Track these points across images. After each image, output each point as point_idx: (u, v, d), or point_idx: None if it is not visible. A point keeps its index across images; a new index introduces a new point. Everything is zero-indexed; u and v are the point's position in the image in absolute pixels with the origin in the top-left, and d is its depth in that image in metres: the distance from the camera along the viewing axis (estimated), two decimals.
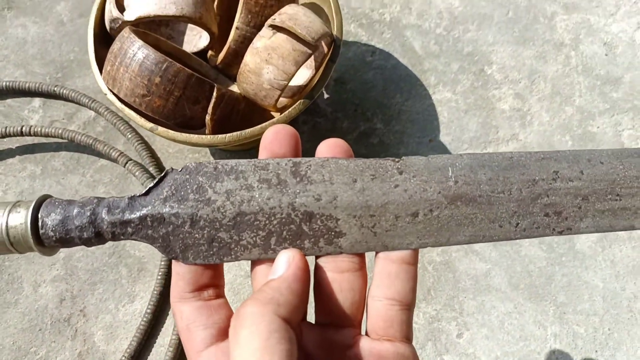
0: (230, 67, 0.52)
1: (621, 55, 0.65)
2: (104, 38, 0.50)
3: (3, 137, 0.58)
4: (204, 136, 0.45)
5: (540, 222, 0.25)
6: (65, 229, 0.24)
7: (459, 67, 0.64)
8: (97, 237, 0.24)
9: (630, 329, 0.53)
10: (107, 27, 0.49)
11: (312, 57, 0.51)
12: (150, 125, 0.45)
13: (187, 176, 0.24)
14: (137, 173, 0.56)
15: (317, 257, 0.25)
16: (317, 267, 0.25)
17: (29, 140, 0.61)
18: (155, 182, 0.24)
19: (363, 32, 0.66)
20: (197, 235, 0.24)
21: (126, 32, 0.45)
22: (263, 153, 0.26)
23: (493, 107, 0.63)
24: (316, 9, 0.53)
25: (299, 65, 0.45)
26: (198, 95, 0.45)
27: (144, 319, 0.52)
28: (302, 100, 0.47)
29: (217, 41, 0.53)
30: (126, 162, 0.57)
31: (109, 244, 0.56)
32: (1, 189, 0.58)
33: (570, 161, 0.26)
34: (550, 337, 0.53)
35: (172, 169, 0.25)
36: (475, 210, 0.25)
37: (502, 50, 0.65)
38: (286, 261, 0.24)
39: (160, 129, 0.45)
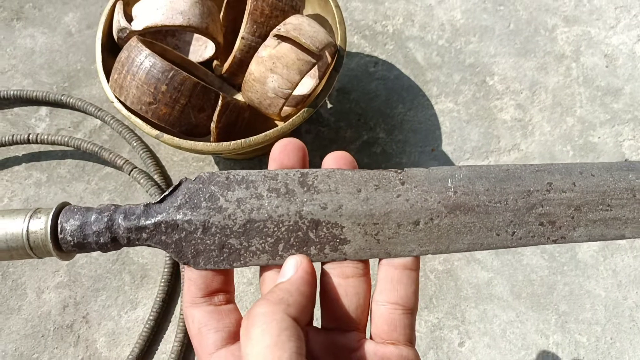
0: (236, 77, 0.53)
1: (621, 67, 0.66)
2: (112, 48, 0.51)
3: (10, 144, 0.59)
4: (208, 143, 0.46)
5: (536, 231, 0.26)
6: (83, 234, 0.25)
7: (460, 78, 0.65)
8: (113, 242, 0.25)
9: (632, 338, 0.53)
10: (115, 37, 0.50)
11: (316, 66, 0.52)
12: (156, 132, 0.46)
13: (201, 185, 0.26)
14: (142, 181, 0.57)
15: (323, 263, 0.26)
16: (323, 273, 0.26)
17: (35, 148, 0.61)
18: (170, 190, 0.26)
19: (366, 44, 0.67)
20: (208, 241, 0.25)
21: (134, 41, 0.45)
22: (272, 164, 0.27)
23: (495, 118, 0.63)
24: (320, 20, 0.54)
25: (303, 74, 0.45)
26: (203, 104, 0.45)
27: (146, 326, 0.52)
28: (305, 109, 0.47)
29: (222, 51, 0.54)
30: (131, 170, 0.57)
31: None
32: (7, 196, 0.59)
33: (563, 173, 0.27)
34: (553, 346, 0.53)
35: (186, 178, 0.26)
36: (474, 219, 0.26)
37: (503, 61, 0.66)
38: (294, 265, 0.25)
39: (166, 136, 0.46)
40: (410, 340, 0.25)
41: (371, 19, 0.69)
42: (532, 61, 0.66)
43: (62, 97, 0.62)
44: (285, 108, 0.52)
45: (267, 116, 0.51)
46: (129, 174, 0.57)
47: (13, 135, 0.59)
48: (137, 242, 0.25)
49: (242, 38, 0.49)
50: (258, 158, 0.61)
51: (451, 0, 0.70)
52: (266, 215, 0.25)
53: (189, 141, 0.46)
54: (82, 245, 0.25)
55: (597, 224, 0.26)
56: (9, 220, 0.25)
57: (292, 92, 0.46)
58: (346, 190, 0.26)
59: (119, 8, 0.49)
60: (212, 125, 0.46)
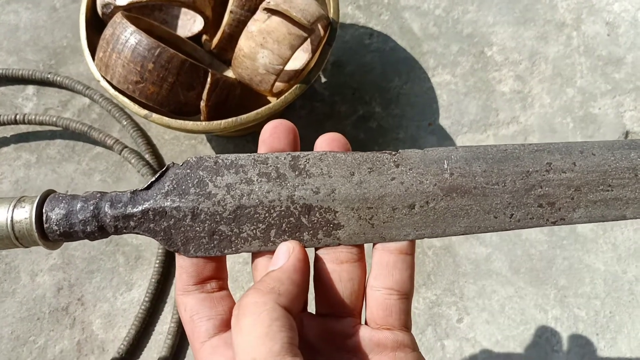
0: (225, 52, 0.51)
1: (623, 35, 0.64)
2: (97, 24, 0.49)
3: None
4: (199, 123, 0.45)
5: (534, 213, 0.26)
6: (69, 223, 0.24)
7: (458, 49, 0.63)
8: (100, 231, 0.24)
9: (631, 311, 0.53)
10: (99, 13, 0.48)
11: (309, 40, 0.50)
12: (144, 112, 0.45)
13: (188, 170, 0.25)
14: (133, 160, 0.56)
15: (316, 249, 0.26)
16: (317, 259, 0.26)
17: (23, 128, 0.60)
18: (156, 176, 0.25)
19: (360, 14, 0.65)
20: (198, 228, 0.25)
21: (118, 17, 0.44)
22: (262, 147, 0.27)
23: (493, 90, 0.62)
24: None
25: (294, 49, 0.44)
26: (192, 81, 0.44)
27: (142, 307, 0.52)
28: (298, 85, 0.46)
29: (211, 25, 0.52)
30: (122, 150, 0.56)
31: None
32: None
33: (563, 153, 0.26)
34: (552, 321, 0.53)
35: (174, 163, 0.25)
36: (471, 201, 0.26)
37: (502, 31, 0.64)
38: (286, 252, 0.24)
39: (155, 116, 0.45)
40: (406, 325, 0.25)
41: None
42: (532, 30, 0.64)
43: (49, 76, 0.60)
44: (277, 84, 0.50)
45: (259, 93, 0.50)
46: (120, 154, 0.56)
47: (0, 116, 0.57)
48: (125, 231, 0.25)
49: (231, 12, 0.47)
50: (251, 135, 0.60)
51: None
52: (257, 200, 0.25)
53: (178, 121, 0.45)
54: (69, 234, 0.24)
55: (597, 205, 0.26)
56: None
57: (283, 67, 0.44)
58: (339, 173, 0.25)
59: None
60: (202, 103, 0.45)
